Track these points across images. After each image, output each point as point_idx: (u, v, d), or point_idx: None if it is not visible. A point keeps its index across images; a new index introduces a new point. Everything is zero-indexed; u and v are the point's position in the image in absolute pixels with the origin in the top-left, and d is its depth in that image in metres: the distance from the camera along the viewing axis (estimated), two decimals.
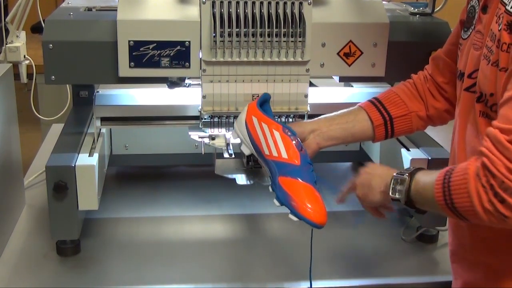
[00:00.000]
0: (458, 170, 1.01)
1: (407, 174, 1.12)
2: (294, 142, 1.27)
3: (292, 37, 1.45)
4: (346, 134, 1.35)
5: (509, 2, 1.01)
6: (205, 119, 1.52)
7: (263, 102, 1.39)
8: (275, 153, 1.27)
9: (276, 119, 1.40)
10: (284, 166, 1.25)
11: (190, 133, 1.58)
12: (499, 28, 1.03)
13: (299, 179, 1.23)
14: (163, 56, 1.46)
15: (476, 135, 1.09)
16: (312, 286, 1.34)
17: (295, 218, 1.20)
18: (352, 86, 1.96)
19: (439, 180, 1.03)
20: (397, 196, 1.13)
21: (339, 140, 1.35)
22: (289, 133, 1.28)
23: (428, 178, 1.08)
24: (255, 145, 1.32)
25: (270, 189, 1.26)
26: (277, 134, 1.28)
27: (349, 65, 1.54)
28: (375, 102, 1.37)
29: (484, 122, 1.08)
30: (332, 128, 1.34)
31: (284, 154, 1.26)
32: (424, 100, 1.36)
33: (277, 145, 1.27)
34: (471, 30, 1.16)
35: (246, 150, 1.35)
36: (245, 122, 1.34)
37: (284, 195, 1.22)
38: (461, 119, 1.17)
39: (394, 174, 1.14)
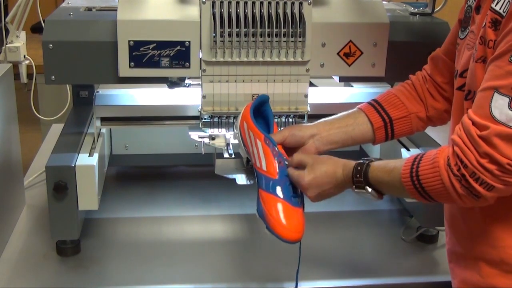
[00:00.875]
0: (426, 162, 1.05)
1: (365, 185, 1.16)
2: (273, 153, 1.27)
3: (292, 37, 1.45)
4: (346, 137, 1.34)
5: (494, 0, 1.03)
6: (205, 119, 1.52)
7: (261, 104, 1.38)
8: (258, 164, 1.27)
9: (276, 120, 1.40)
10: (263, 178, 1.25)
11: (190, 133, 1.58)
12: (483, 25, 1.04)
13: (274, 195, 1.23)
14: (163, 56, 1.46)
15: None
16: (311, 286, 1.34)
17: (269, 233, 1.22)
18: (352, 86, 1.96)
19: (405, 171, 1.08)
20: (371, 197, 1.18)
21: (339, 144, 1.35)
22: (269, 144, 1.28)
23: (390, 182, 1.13)
24: (247, 151, 1.32)
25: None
26: (259, 144, 1.28)
27: (349, 65, 1.54)
28: (375, 104, 1.36)
29: None
30: (332, 132, 1.34)
31: (264, 166, 1.26)
32: (424, 101, 1.36)
33: (259, 156, 1.27)
34: (468, 30, 1.17)
35: (243, 153, 1.35)
36: (239, 126, 1.35)
37: (261, 209, 1.23)
38: (454, 118, 1.19)
39: (355, 190, 1.18)
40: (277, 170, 1.25)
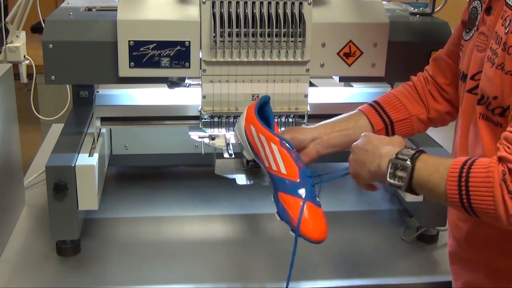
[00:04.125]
0: (479, 171, 0.96)
1: (408, 160, 1.04)
2: (292, 156, 1.26)
3: (292, 37, 1.45)
4: (346, 140, 1.33)
5: None
6: (205, 119, 1.53)
7: (263, 105, 1.38)
8: (274, 167, 1.26)
9: (276, 119, 1.40)
10: (283, 181, 1.25)
11: (190, 133, 1.58)
12: (506, 31, 1.02)
13: (297, 197, 1.22)
14: (163, 56, 1.46)
15: (477, 137, 1.09)
16: (311, 286, 1.34)
17: (294, 235, 1.21)
18: (352, 86, 1.96)
19: (452, 177, 0.98)
20: (397, 182, 1.05)
21: (339, 147, 1.34)
22: (287, 147, 1.27)
23: (434, 171, 1.01)
24: (256, 155, 1.32)
25: (272, 199, 1.26)
26: (275, 148, 1.27)
27: (349, 65, 1.54)
28: (376, 106, 1.36)
29: (484, 125, 1.07)
30: (333, 136, 1.33)
31: (283, 170, 1.25)
32: (425, 103, 1.35)
33: (276, 159, 1.26)
34: (473, 32, 1.16)
35: (249, 156, 1.35)
36: (244, 130, 1.34)
37: (284, 212, 1.23)
38: (463, 121, 1.17)
39: (393, 157, 1.06)
40: (299, 172, 1.24)
